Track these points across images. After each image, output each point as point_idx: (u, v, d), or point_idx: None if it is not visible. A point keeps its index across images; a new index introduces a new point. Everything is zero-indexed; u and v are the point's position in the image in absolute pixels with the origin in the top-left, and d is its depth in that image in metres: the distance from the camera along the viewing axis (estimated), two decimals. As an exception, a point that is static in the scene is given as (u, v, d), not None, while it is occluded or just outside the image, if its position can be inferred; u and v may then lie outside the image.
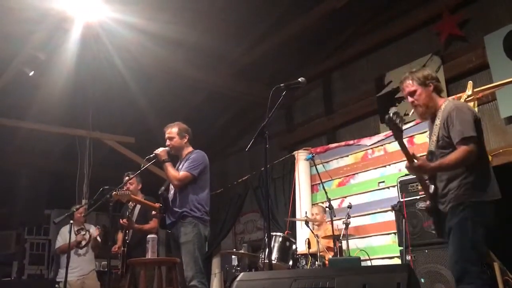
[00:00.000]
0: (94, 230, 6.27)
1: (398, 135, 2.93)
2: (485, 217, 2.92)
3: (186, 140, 4.47)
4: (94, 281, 6.28)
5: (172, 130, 4.45)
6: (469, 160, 2.92)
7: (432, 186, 3.12)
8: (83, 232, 6.05)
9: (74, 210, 5.53)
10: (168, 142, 4.42)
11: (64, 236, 6.08)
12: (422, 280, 4.37)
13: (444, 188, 3.04)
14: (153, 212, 4.72)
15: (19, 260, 9.60)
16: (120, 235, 5.48)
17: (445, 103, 3.14)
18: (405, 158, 5.12)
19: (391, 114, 2.79)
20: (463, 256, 2.85)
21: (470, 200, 2.93)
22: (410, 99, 3.26)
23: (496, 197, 2.97)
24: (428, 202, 3.18)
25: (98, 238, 6.15)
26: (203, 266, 4.15)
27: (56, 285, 6.05)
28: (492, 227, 2.93)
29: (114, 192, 4.58)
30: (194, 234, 4.12)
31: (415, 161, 3.03)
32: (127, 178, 5.16)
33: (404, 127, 6.19)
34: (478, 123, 3.03)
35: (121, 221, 5.18)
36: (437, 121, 3.09)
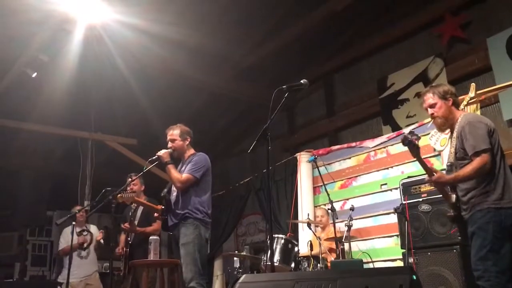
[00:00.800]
0: (96, 230, 6.27)
1: (416, 152, 3.18)
2: (502, 222, 3.10)
3: (187, 142, 4.47)
4: (97, 282, 6.27)
5: (174, 132, 4.45)
6: (482, 171, 3.15)
7: (454, 196, 3.35)
8: (85, 233, 6.04)
9: (77, 211, 5.53)
10: (170, 144, 4.43)
11: (66, 238, 6.08)
12: (414, 277, 4.34)
13: (464, 196, 3.27)
14: (155, 214, 4.72)
15: (21, 261, 9.61)
16: (122, 237, 5.49)
17: (461, 117, 3.38)
18: (408, 160, 5.27)
19: (407, 133, 3.14)
20: (483, 257, 3.06)
21: (489, 207, 3.13)
22: (430, 111, 3.48)
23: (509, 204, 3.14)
24: (452, 211, 3.40)
25: (101, 241, 6.15)
26: (203, 268, 4.14)
27: (58, 287, 6.05)
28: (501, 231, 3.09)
29: (119, 195, 4.58)
30: (195, 236, 4.12)
31: (434, 174, 3.29)
32: (129, 179, 5.17)
33: (407, 129, 6.22)
34: (493, 133, 3.27)
35: (123, 225, 5.19)
36: (454, 134, 3.34)
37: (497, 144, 3.28)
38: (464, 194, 3.27)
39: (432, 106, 3.45)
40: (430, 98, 3.47)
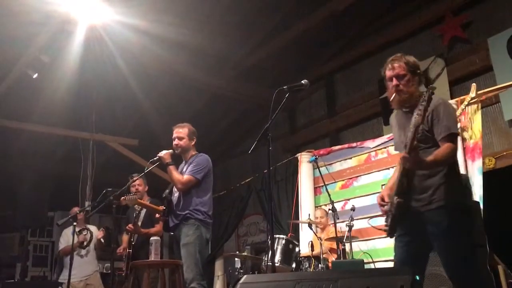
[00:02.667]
0: (96, 230, 6.28)
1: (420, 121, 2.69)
2: (468, 219, 2.89)
3: (193, 142, 4.50)
4: (98, 282, 6.27)
5: (182, 130, 4.46)
6: (453, 158, 2.85)
7: (404, 180, 2.87)
8: (84, 232, 6.05)
9: (77, 212, 5.54)
10: (176, 142, 4.42)
11: (66, 238, 6.10)
12: (417, 278, 4.34)
13: (421, 185, 2.87)
14: (157, 215, 4.72)
15: (22, 262, 9.60)
16: (125, 237, 5.50)
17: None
18: None
19: (435, 88, 2.67)
20: (469, 261, 2.79)
21: (455, 203, 2.82)
22: (395, 81, 3.01)
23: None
24: (398, 198, 2.89)
25: (102, 240, 6.15)
26: (205, 269, 4.15)
27: (59, 287, 6.05)
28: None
29: (122, 198, 4.60)
30: (196, 236, 4.13)
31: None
32: (131, 180, 5.18)
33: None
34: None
35: (127, 227, 5.20)
36: (416, 113, 2.74)
37: None
38: (421, 181, 2.86)
39: (400, 77, 2.99)
40: (401, 68, 3.01)
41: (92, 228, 6.33)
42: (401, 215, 2.90)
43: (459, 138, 5.17)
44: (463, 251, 2.78)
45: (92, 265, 6.25)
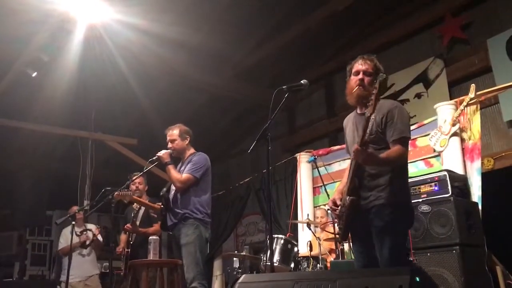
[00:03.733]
0: (95, 229, 6.27)
1: (373, 109, 2.78)
2: (410, 220, 3.04)
3: (187, 142, 4.47)
4: (96, 283, 6.24)
5: (173, 133, 4.45)
6: (403, 161, 3.01)
7: (356, 179, 2.97)
8: (85, 233, 6.03)
9: (76, 211, 5.53)
10: (170, 145, 4.43)
11: (66, 238, 6.08)
12: (418, 279, 4.35)
13: (369, 184, 2.96)
14: (151, 212, 4.71)
15: (21, 261, 9.61)
16: (123, 236, 5.49)
17: (382, 100, 3.03)
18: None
19: (385, 77, 3.02)
20: (398, 258, 2.87)
21: (401, 202, 2.96)
22: (361, 76, 3.16)
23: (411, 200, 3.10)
24: (351, 196, 2.98)
25: (100, 238, 6.14)
26: (204, 268, 4.15)
27: (58, 286, 6.05)
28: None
29: (116, 193, 4.58)
30: (196, 236, 4.13)
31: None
32: (130, 180, 5.18)
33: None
34: None
35: (125, 226, 5.19)
36: (373, 115, 2.85)
37: None
38: (370, 180, 2.96)
39: (367, 73, 3.16)
40: (371, 66, 3.20)
41: (92, 227, 6.32)
42: (353, 216, 3.00)
43: (458, 139, 5.20)
44: (394, 249, 2.88)
45: (92, 266, 6.22)
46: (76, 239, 5.91)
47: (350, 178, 2.99)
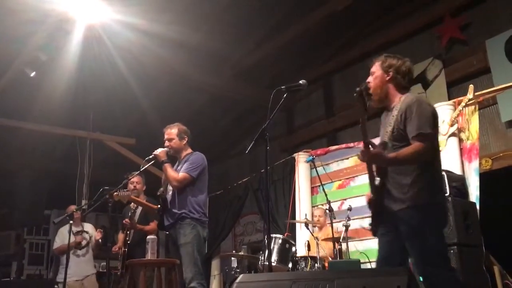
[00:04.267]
0: (93, 230, 6.25)
1: (363, 112, 2.93)
2: (440, 219, 2.89)
3: (185, 141, 4.47)
4: (93, 283, 6.23)
5: (172, 131, 4.45)
6: (423, 158, 2.83)
7: (378, 179, 2.96)
8: (82, 233, 6.02)
9: (74, 210, 5.52)
10: (167, 143, 4.43)
11: (62, 237, 6.07)
12: (421, 279, 4.36)
13: (394, 183, 2.91)
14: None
15: (18, 260, 9.59)
16: (120, 236, 5.48)
17: (405, 95, 3.03)
18: None
19: (363, 87, 2.97)
20: (431, 261, 2.79)
21: (426, 203, 2.83)
22: (368, 78, 3.23)
23: (441, 200, 2.94)
24: (371, 195, 3.03)
25: (100, 241, 6.13)
26: (202, 268, 4.15)
27: (56, 286, 6.03)
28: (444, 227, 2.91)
29: (115, 193, 4.58)
30: (193, 236, 4.13)
31: (371, 148, 2.91)
32: (127, 178, 5.17)
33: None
34: (436, 121, 2.93)
35: (124, 221, 5.18)
36: (395, 112, 2.98)
37: (437, 134, 2.95)
38: (395, 181, 2.91)
39: (372, 73, 3.21)
40: (374, 65, 3.21)
41: (89, 226, 6.31)
42: (379, 213, 2.98)
43: (456, 139, 5.21)
44: (430, 251, 2.79)
45: (89, 266, 6.20)
46: (72, 239, 5.89)
47: (372, 178, 3.01)
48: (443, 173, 4.70)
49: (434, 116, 2.89)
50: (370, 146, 2.91)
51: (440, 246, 2.85)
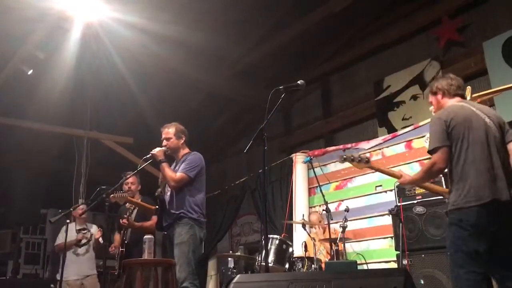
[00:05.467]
0: (95, 230, 6.22)
1: (367, 166, 3.46)
2: (463, 222, 2.88)
3: (182, 141, 4.46)
4: (94, 283, 6.15)
5: (169, 131, 4.44)
6: (431, 172, 3.07)
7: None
8: (84, 231, 5.98)
9: (72, 209, 5.50)
10: (164, 143, 4.41)
11: (64, 234, 6.06)
12: (422, 282, 4.37)
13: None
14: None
15: (15, 259, 9.56)
16: (117, 236, 5.46)
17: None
18: (403, 162, 5.24)
19: (344, 157, 3.47)
20: (451, 260, 2.94)
21: (452, 207, 2.97)
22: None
23: (480, 202, 2.85)
24: None
25: (100, 240, 6.09)
26: (197, 268, 4.14)
27: (52, 285, 6.01)
28: (479, 230, 2.84)
29: (112, 195, 4.57)
30: (190, 236, 4.11)
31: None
32: (124, 178, 5.15)
33: (402, 131, 6.23)
34: (453, 128, 3.01)
35: (121, 221, 5.16)
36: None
37: (461, 139, 2.99)
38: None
39: (430, 104, 3.51)
40: (429, 96, 3.51)
41: (93, 228, 6.25)
42: None
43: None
44: (451, 268, 2.98)
45: (90, 266, 6.09)
46: (74, 237, 5.89)
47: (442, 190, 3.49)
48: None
49: (445, 126, 3.04)
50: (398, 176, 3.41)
51: (459, 262, 2.94)
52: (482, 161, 2.95)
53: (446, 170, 3.07)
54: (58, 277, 5.95)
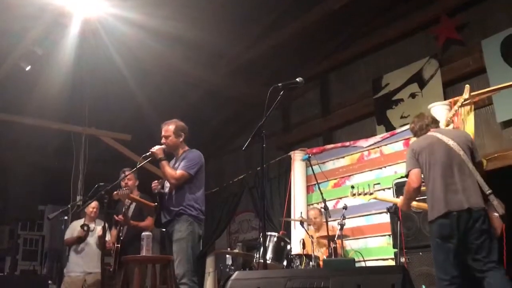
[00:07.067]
0: (100, 227, 6.18)
1: (373, 197, 4.33)
2: (435, 233, 3.44)
3: (182, 138, 4.44)
4: (97, 281, 6.09)
5: (168, 128, 4.42)
6: (409, 190, 3.66)
7: None
8: (85, 228, 5.95)
9: (72, 206, 5.50)
10: (163, 140, 4.40)
11: (71, 230, 6.08)
12: (424, 287, 4.40)
13: None
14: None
15: (12, 255, 9.57)
16: (113, 232, 5.46)
17: None
18: (401, 161, 5.39)
19: (353, 193, 4.45)
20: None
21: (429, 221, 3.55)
22: None
23: (440, 213, 3.40)
24: None
25: (106, 237, 6.06)
26: (196, 265, 4.14)
27: (49, 281, 6.01)
28: (447, 238, 3.36)
29: (115, 193, 4.58)
30: (189, 232, 4.12)
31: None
32: (122, 175, 5.15)
33: (401, 129, 6.24)
34: (419, 154, 3.62)
35: (116, 217, 5.15)
36: None
37: (425, 162, 3.57)
38: None
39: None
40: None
41: (98, 225, 6.20)
42: None
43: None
44: None
45: (93, 263, 6.00)
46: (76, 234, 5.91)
47: None
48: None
49: (413, 153, 3.70)
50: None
51: (434, 256, 3.57)
52: (439, 179, 3.48)
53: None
54: (65, 272, 5.99)
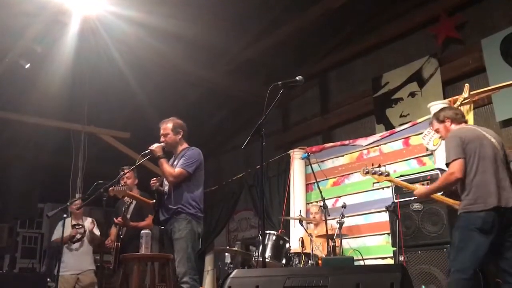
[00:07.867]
0: (89, 224, 6.17)
1: (387, 179, 4.02)
2: (473, 225, 3.37)
3: (180, 136, 4.43)
4: (91, 278, 6.10)
5: (167, 126, 4.41)
6: (451, 180, 3.51)
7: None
8: (78, 227, 5.96)
9: (68, 204, 5.49)
10: (162, 139, 4.39)
11: (59, 229, 6.03)
12: (423, 287, 4.40)
13: None
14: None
15: (11, 253, 9.56)
16: (113, 230, 5.45)
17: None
18: (400, 159, 5.41)
19: (366, 171, 4.09)
20: (452, 255, 3.44)
21: (460, 212, 3.48)
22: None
23: (486, 207, 3.35)
24: None
25: (95, 231, 6.05)
26: (196, 263, 4.14)
27: (48, 279, 6.00)
28: (486, 232, 3.33)
29: (111, 188, 4.56)
30: (188, 231, 4.11)
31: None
32: (122, 173, 5.14)
33: (400, 128, 6.24)
34: (468, 143, 3.51)
35: (116, 220, 5.15)
36: None
37: (473, 153, 3.49)
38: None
39: (436, 131, 3.98)
40: (434, 124, 3.95)
41: (87, 220, 6.20)
42: None
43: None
44: None
45: (86, 261, 6.03)
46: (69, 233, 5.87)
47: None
48: (438, 171, 4.74)
49: (460, 142, 3.53)
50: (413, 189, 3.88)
51: (459, 249, 3.46)
52: (490, 173, 3.44)
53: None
54: (55, 272, 5.95)
